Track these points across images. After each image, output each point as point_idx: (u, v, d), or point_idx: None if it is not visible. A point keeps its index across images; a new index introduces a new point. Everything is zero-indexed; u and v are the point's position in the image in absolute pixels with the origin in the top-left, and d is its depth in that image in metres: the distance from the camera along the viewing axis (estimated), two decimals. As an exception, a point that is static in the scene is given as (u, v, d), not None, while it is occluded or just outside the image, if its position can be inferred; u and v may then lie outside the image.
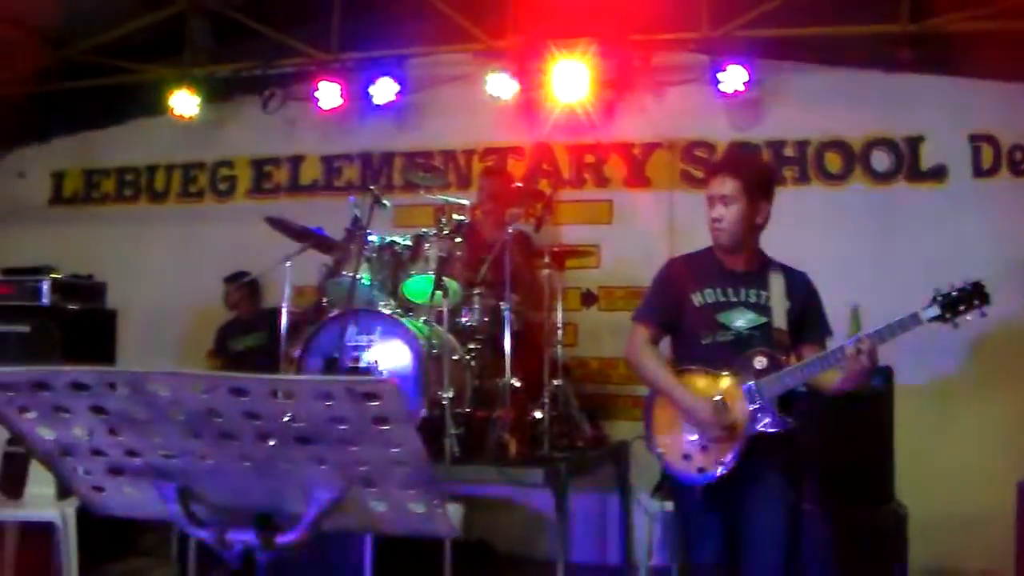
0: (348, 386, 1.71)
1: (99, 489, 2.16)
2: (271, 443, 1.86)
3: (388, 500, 2.01)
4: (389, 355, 5.69)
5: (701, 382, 4.26)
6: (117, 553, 7.24)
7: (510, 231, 6.20)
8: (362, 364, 5.65)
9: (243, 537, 2.04)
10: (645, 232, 7.74)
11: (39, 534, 6.32)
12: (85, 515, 6.10)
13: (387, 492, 1.98)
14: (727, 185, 4.27)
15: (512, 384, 6.03)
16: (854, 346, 3.94)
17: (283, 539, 2.04)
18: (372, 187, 6.08)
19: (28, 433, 2.00)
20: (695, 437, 4.21)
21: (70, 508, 6.12)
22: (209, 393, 1.77)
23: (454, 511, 1.96)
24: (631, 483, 7.30)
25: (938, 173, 7.30)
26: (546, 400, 6.10)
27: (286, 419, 1.79)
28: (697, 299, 4.31)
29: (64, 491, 6.11)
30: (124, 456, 2.01)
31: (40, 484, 6.29)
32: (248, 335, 8.04)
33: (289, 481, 1.97)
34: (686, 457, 4.23)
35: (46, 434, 2.00)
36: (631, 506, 7.34)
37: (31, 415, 1.95)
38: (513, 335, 6.08)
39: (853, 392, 4.23)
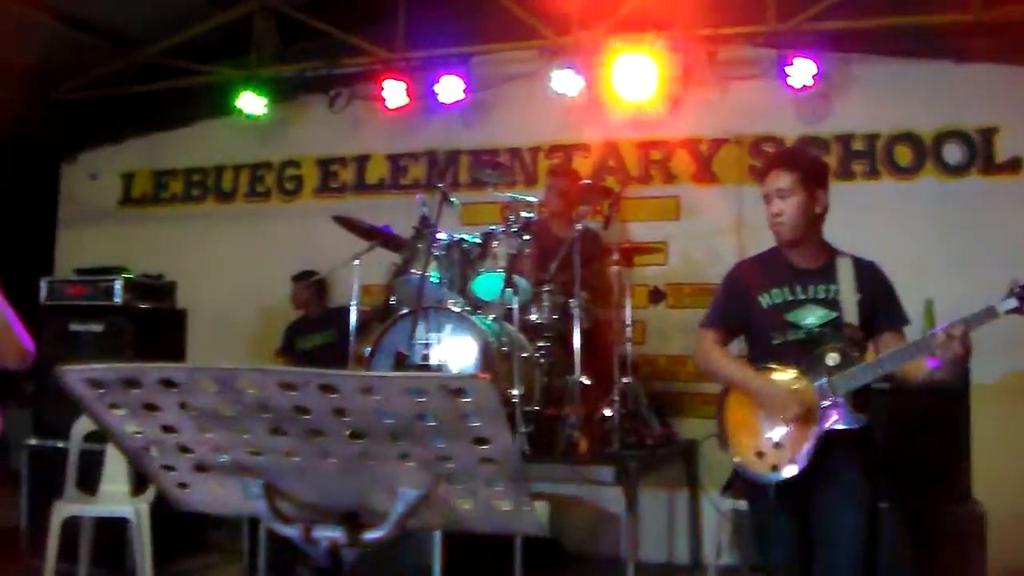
0: (439, 382, 1.70)
1: (184, 486, 2.16)
2: (358, 440, 1.85)
3: (475, 497, 1.99)
4: (459, 353, 5.68)
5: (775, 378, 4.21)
6: (188, 549, 7.31)
7: (579, 228, 6.18)
8: (431, 362, 5.64)
9: (330, 534, 2.04)
10: (713, 228, 7.71)
11: (113, 529, 6.41)
12: (158, 511, 6.17)
13: (474, 489, 1.96)
14: (783, 178, 4.21)
15: (582, 381, 6.00)
16: (944, 333, 3.85)
17: (370, 536, 2.03)
18: (440, 185, 6.07)
19: (116, 429, 2.01)
20: (769, 434, 4.15)
21: (143, 504, 6.19)
22: (298, 390, 1.76)
23: (541, 508, 1.94)
24: (700, 481, 7.23)
25: (1013, 165, 7.17)
26: (616, 398, 6.06)
27: (374, 416, 1.78)
28: (764, 300, 4.25)
29: (138, 487, 6.20)
30: (211, 453, 2.01)
31: (114, 481, 6.39)
32: (316, 334, 8.09)
33: (376, 478, 1.96)
34: (759, 455, 4.17)
35: (134, 431, 2.01)
36: (700, 504, 7.28)
37: (121, 412, 1.96)
38: (582, 332, 6.06)
39: (932, 385, 4.17)
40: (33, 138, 9.79)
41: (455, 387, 1.70)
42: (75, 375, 1.90)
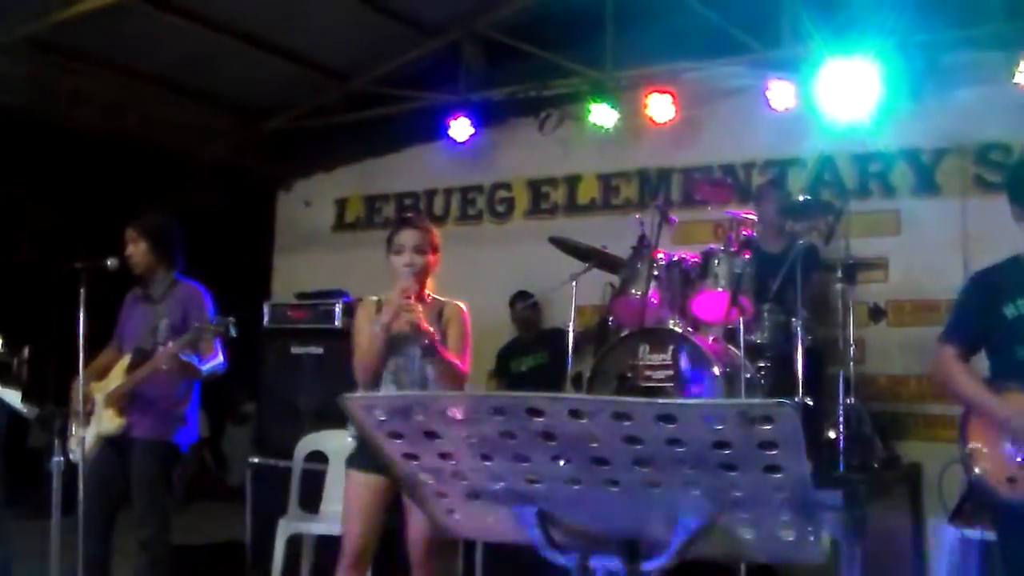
0: (742, 410, 1.65)
1: (452, 512, 2.17)
2: (644, 468, 1.80)
3: (759, 527, 1.93)
4: (681, 375, 5.59)
5: (1022, 400, 3.97)
6: (405, 568, 7.39)
7: (801, 244, 6.02)
8: (653, 384, 5.57)
9: (607, 563, 2.01)
10: (935, 243, 7.39)
11: (334, 548, 6.52)
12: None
13: (759, 518, 1.91)
14: None
15: (805, 403, 5.83)
16: None
17: (649, 566, 1.98)
18: (659, 204, 6.02)
19: (393, 456, 2.02)
20: (1020, 457, 3.92)
21: (364, 524, 6.28)
22: (590, 418, 1.73)
23: (824, 538, 1.87)
24: (924, 506, 6.94)
25: None
26: (841, 419, 5.87)
27: (666, 444, 1.73)
28: (1010, 311, 4.02)
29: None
30: (487, 480, 2.00)
31: (334, 501, 6.53)
32: (529, 355, 8.12)
33: (657, 506, 1.92)
34: (1011, 480, 3.93)
35: (411, 458, 2.02)
36: (925, 531, 6.97)
37: (399, 439, 1.97)
38: (803, 352, 5.90)
39: None
40: (250, 168, 10.20)
41: (757, 415, 1.64)
42: (358, 402, 1.92)
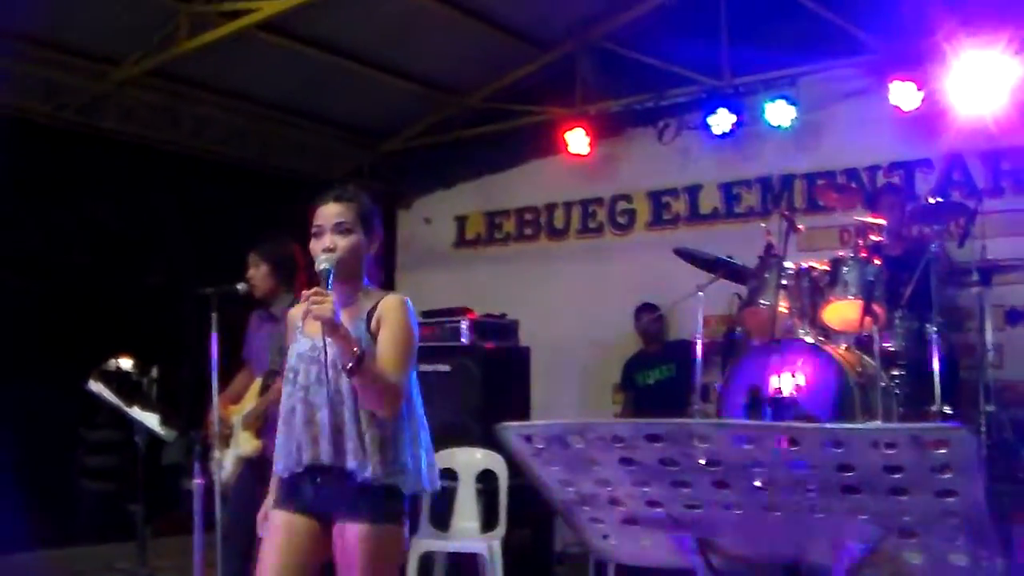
0: (914, 434, 1.60)
1: (607, 537, 2.15)
2: (812, 493, 1.77)
3: (928, 552, 1.87)
4: (814, 385, 5.49)
5: None
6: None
7: (933, 248, 5.86)
8: (785, 395, 5.47)
9: (770, 589, 1.97)
10: (1079, 241, 7.11)
11: (465, 564, 6.55)
12: (506, 548, 6.27)
13: (928, 544, 1.85)
14: None
15: (943, 411, 5.68)
16: None
17: (813, 592, 1.95)
18: (786, 212, 5.94)
19: (550, 483, 2.02)
20: None
21: (495, 541, 6.31)
22: (755, 443, 1.70)
23: (1001, 565, 1.80)
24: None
25: None
26: (982, 428, 5.70)
27: (833, 468, 1.69)
28: None
29: (487, 524, 6.33)
30: (644, 506, 1.99)
31: (465, 518, 6.56)
32: (655, 368, 8.06)
33: (819, 531, 1.88)
34: None
35: (567, 484, 2.01)
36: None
37: (556, 467, 1.96)
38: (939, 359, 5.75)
39: None
40: (370, 187, 10.31)
41: (931, 439, 1.60)
42: (513, 431, 1.91)
